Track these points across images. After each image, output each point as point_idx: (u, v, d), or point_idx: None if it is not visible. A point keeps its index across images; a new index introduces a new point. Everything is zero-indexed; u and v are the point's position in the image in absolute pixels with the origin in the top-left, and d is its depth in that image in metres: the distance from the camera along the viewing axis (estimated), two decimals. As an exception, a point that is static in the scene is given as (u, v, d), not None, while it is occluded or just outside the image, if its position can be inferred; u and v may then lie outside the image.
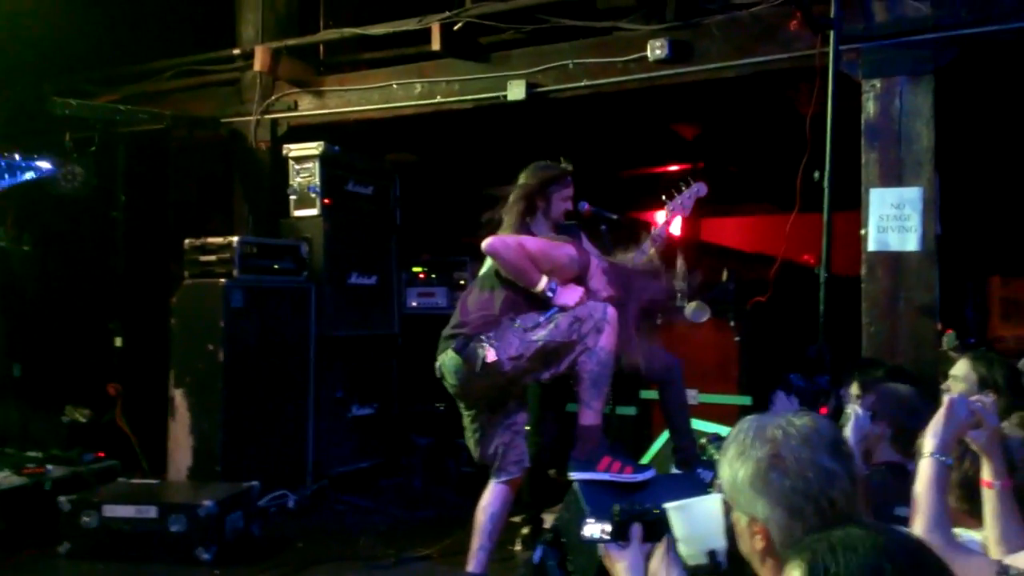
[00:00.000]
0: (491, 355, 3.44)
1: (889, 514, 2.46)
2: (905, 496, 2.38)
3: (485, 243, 3.58)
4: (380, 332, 6.19)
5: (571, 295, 3.59)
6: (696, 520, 2.03)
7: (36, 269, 6.22)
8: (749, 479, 1.70)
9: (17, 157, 2.60)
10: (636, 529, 2.17)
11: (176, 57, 6.62)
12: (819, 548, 1.32)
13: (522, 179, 3.86)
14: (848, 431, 2.64)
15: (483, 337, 3.48)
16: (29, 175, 2.64)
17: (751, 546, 1.72)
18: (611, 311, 3.53)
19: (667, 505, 2.18)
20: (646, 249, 4.18)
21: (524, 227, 3.75)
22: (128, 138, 6.39)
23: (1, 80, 6.47)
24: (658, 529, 2.20)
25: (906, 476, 2.58)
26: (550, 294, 3.55)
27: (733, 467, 1.73)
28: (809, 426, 1.72)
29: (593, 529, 2.18)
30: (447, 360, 3.57)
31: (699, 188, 4.24)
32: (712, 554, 1.98)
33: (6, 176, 2.57)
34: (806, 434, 1.70)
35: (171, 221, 6.51)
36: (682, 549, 2.06)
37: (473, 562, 3.65)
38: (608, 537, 2.15)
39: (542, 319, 3.53)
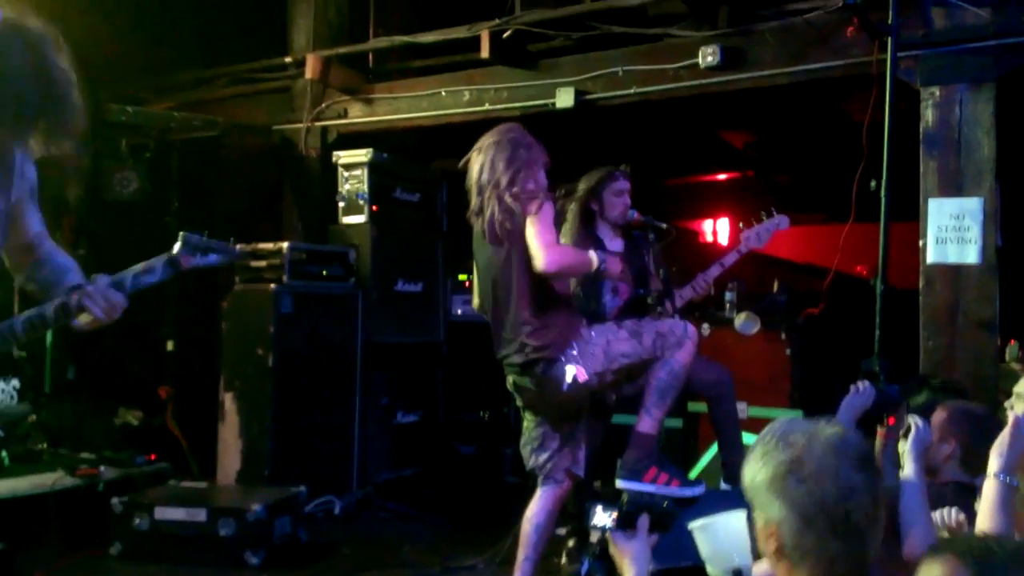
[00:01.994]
0: (582, 375, 3.39)
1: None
2: (972, 516, 2.32)
3: (546, 265, 3.32)
4: (426, 339, 6.20)
5: (616, 264, 3.59)
6: (720, 538, 2.00)
7: (91, 273, 6.33)
8: (767, 481, 1.71)
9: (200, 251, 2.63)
10: (643, 520, 2.15)
11: (229, 65, 6.72)
12: (970, 540, 1.37)
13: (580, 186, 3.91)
14: (908, 443, 2.58)
15: (565, 356, 3.41)
16: (211, 258, 2.68)
17: (766, 547, 1.74)
18: (691, 328, 3.52)
19: (691, 524, 2.15)
20: (711, 276, 4.15)
21: (585, 234, 3.76)
22: (181, 145, 6.49)
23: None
24: (665, 521, 2.17)
25: (973, 496, 2.51)
26: (603, 268, 3.52)
27: (754, 468, 1.75)
28: (837, 436, 1.71)
29: (601, 517, 2.17)
30: (528, 382, 3.51)
31: (780, 221, 4.16)
32: (738, 572, 1.95)
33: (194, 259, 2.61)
34: (832, 443, 1.69)
35: (222, 227, 6.58)
36: (708, 568, 2.03)
37: (518, 573, 3.63)
38: (614, 526, 2.13)
39: (622, 331, 3.48)
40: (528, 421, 3.70)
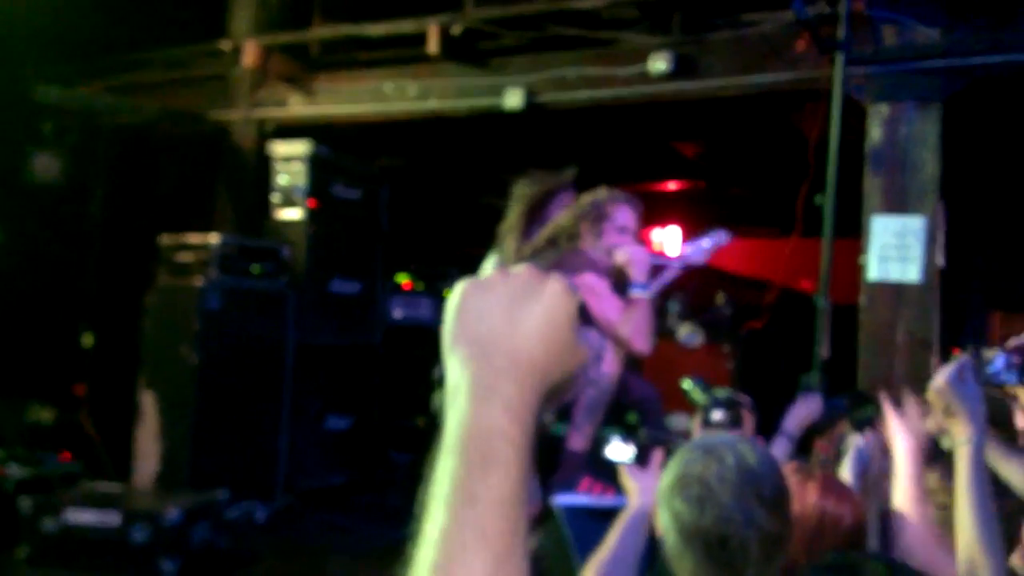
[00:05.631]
0: None
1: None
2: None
3: (649, 348, 3.48)
4: (361, 342, 6.01)
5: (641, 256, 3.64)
6: None
7: (7, 260, 6.03)
8: (665, 488, 1.69)
9: None
10: (656, 455, 2.28)
11: (163, 49, 6.46)
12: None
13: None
14: (848, 460, 2.55)
15: None
16: None
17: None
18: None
19: None
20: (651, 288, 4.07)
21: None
22: (111, 130, 6.23)
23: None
24: None
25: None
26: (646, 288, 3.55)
27: (667, 469, 1.73)
28: (745, 463, 1.64)
29: (621, 452, 2.34)
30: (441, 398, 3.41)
31: (721, 237, 4.11)
32: None
33: None
34: (738, 471, 1.63)
35: (152, 218, 6.33)
36: None
37: None
38: (632, 461, 2.31)
39: None
40: None
